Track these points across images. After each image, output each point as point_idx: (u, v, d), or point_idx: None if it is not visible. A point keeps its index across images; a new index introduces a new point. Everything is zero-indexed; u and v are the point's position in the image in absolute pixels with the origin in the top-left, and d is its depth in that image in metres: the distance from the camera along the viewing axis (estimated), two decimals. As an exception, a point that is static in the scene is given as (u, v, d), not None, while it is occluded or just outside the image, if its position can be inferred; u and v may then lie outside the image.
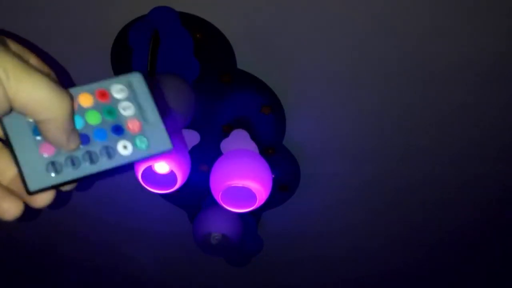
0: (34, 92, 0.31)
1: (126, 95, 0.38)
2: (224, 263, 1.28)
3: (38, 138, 0.34)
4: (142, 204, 1.20)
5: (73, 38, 0.89)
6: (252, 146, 0.96)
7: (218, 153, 0.97)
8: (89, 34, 0.88)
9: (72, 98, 0.34)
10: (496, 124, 0.98)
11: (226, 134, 0.97)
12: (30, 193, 0.33)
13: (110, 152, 0.36)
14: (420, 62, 0.88)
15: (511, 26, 0.82)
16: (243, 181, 0.90)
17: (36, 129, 0.34)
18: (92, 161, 0.35)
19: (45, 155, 0.34)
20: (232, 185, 0.90)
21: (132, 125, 0.37)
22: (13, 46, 0.35)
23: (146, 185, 0.93)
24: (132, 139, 0.37)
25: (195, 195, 1.08)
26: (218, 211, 1.01)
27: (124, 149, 0.37)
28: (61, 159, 0.35)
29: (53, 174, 0.34)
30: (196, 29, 0.84)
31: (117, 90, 0.38)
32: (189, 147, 0.98)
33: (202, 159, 1.00)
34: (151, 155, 0.37)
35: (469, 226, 1.24)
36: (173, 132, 0.89)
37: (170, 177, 0.93)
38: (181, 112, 0.84)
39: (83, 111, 0.36)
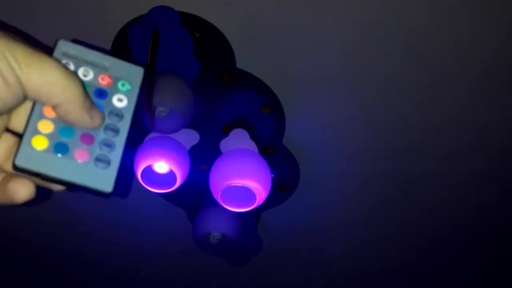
0: (46, 76, 0.32)
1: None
2: (223, 263, 1.28)
3: (67, 153, 0.34)
4: (142, 204, 1.20)
5: (73, 37, 0.89)
6: (252, 146, 0.96)
7: (217, 153, 0.97)
8: (88, 33, 0.88)
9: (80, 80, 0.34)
10: (495, 124, 0.98)
11: (225, 134, 0.96)
12: (111, 194, 0.34)
13: (117, 113, 0.36)
14: (420, 62, 0.88)
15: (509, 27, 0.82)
16: (242, 180, 0.90)
17: (59, 146, 0.34)
18: (115, 131, 0.36)
19: (84, 161, 0.34)
20: (232, 185, 0.90)
21: (104, 80, 0.37)
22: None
23: (145, 184, 0.93)
24: (114, 93, 0.37)
25: (194, 194, 1.08)
26: (218, 210, 1.01)
27: (120, 102, 0.37)
28: (97, 151, 0.35)
29: (107, 168, 0.35)
30: (195, 28, 0.84)
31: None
32: (189, 147, 0.98)
33: (202, 159, 1.00)
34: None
35: (467, 224, 1.24)
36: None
37: (169, 177, 0.93)
38: (180, 112, 0.84)
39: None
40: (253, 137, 0.96)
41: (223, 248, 1.05)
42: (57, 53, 0.36)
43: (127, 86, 0.37)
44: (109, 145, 0.35)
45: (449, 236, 1.28)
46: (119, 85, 0.37)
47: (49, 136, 0.34)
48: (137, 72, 0.38)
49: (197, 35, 0.85)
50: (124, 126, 0.36)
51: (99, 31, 0.87)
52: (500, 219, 1.22)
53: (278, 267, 1.41)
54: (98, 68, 0.37)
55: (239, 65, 0.90)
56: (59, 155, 0.33)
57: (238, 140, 0.96)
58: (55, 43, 0.37)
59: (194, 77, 0.88)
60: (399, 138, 1.02)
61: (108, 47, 0.89)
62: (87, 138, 0.35)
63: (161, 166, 0.94)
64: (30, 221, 1.30)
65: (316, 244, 1.32)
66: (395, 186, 1.13)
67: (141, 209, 1.23)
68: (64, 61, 0.36)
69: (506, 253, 1.34)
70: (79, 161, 0.34)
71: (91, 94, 0.36)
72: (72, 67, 0.36)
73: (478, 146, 1.03)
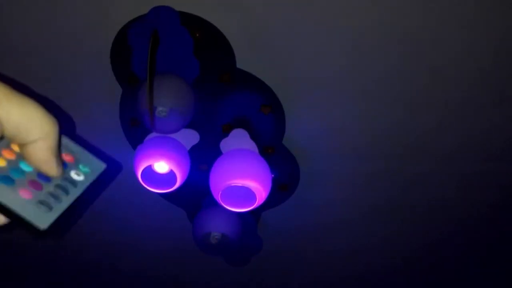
0: (26, 111, 0.32)
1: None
2: (223, 263, 1.28)
3: (13, 185, 0.34)
4: (142, 204, 1.20)
5: (73, 38, 0.89)
6: (252, 146, 0.96)
7: (217, 153, 0.97)
8: (88, 33, 0.88)
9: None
10: (496, 125, 0.99)
11: (225, 134, 0.96)
12: (44, 232, 0.34)
13: (71, 181, 0.38)
14: (419, 62, 0.88)
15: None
16: (242, 180, 0.90)
17: (6, 178, 0.34)
18: (65, 191, 0.37)
19: (27, 198, 0.35)
20: (232, 185, 0.90)
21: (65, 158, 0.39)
22: None
23: (146, 184, 0.93)
24: (76, 167, 0.39)
25: (194, 194, 1.08)
26: (218, 210, 1.01)
27: (78, 176, 0.38)
28: (43, 197, 0.35)
29: (48, 212, 0.35)
30: (195, 28, 0.84)
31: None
32: (189, 147, 0.98)
33: (202, 159, 1.00)
34: (96, 179, 0.39)
35: (467, 224, 1.24)
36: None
37: (169, 177, 0.93)
38: (180, 112, 0.84)
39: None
40: (253, 137, 0.96)
41: (223, 248, 1.05)
42: None
43: (86, 169, 0.39)
44: (56, 197, 0.36)
45: (449, 236, 1.28)
46: (80, 166, 0.39)
47: None
48: (99, 166, 0.40)
49: (197, 35, 0.85)
50: (74, 193, 0.37)
51: (99, 31, 0.87)
52: (500, 219, 1.22)
53: (278, 267, 1.41)
54: (65, 150, 0.39)
55: (239, 65, 0.90)
56: (2, 184, 0.34)
57: (238, 140, 0.96)
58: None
59: (194, 77, 0.88)
60: (399, 138, 1.02)
61: (108, 47, 0.89)
62: (36, 185, 0.36)
63: (161, 166, 0.94)
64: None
65: (316, 244, 1.32)
66: (395, 186, 1.13)
67: (141, 209, 1.23)
68: None
69: (506, 253, 1.34)
70: (22, 196, 0.34)
71: None
72: None
73: (479, 147, 1.03)
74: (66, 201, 0.37)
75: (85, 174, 0.39)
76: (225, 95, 0.93)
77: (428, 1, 0.79)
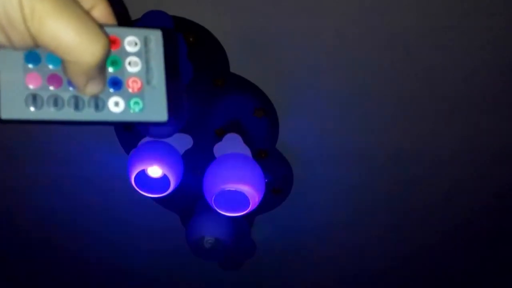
0: (58, 35, 0.29)
1: (138, 49, 0.35)
2: (217, 267, 1.28)
3: (30, 66, 0.32)
4: (135, 208, 1.20)
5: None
6: (245, 150, 0.96)
7: (211, 157, 0.97)
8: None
9: (109, 44, 0.31)
10: (490, 128, 0.99)
11: (219, 138, 0.96)
12: (1, 121, 0.31)
13: (99, 104, 0.33)
14: (415, 66, 0.89)
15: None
16: (236, 185, 0.90)
17: (31, 56, 0.32)
18: (76, 107, 0.33)
19: (30, 86, 0.32)
20: (225, 189, 0.90)
21: (133, 84, 0.34)
22: None
23: (139, 189, 0.93)
24: (127, 98, 0.34)
25: (188, 199, 1.08)
26: (211, 215, 1.01)
27: (115, 106, 0.34)
28: (44, 94, 0.32)
29: (32, 109, 0.31)
30: (189, 32, 0.84)
31: (130, 41, 0.35)
32: (182, 151, 0.98)
33: (195, 163, 1.00)
34: (142, 121, 0.35)
35: (461, 226, 1.24)
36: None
37: (163, 181, 0.93)
38: (174, 116, 0.84)
39: None
40: (246, 141, 0.96)
41: (217, 253, 1.05)
42: None
43: (138, 107, 0.35)
44: (60, 104, 0.32)
45: (444, 241, 1.28)
46: (135, 98, 0.35)
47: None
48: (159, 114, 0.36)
49: (191, 39, 0.85)
50: (87, 115, 0.33)
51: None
52: (493, 222, 1.23)
53: (271, 271, 1.40)
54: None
55: (233, 69, 0.90)
56: (25, 61, 0.31)
57: (232, 144, 0.96)
58: (155, 28, 0.36)
59: (187, 81, 0.88)
60: (394, 142, 1.02)
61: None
62: (56, 79, 0.33)
63: (155, 171, 0.93)
64: (22, 219, 1.29)
65: (310, 248, 1.32)
66: (389, 190, 1.13)
67: (135, 214, 1.22)
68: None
69: (502, 256, 1.35)
70: (25, 79, 0.32)
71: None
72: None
73: (472, 149, 1.03)
74: (63, 115, 0.32)
75: (128, 110, 0.34)
76: (219, 99, 0.93)
77: (425, 4, 0.80)
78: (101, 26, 0.32)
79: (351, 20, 0.82)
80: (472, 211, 1.19)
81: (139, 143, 0.95)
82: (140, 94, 0.35)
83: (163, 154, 0.91)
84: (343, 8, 0.81)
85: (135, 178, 0.91)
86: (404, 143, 1.03)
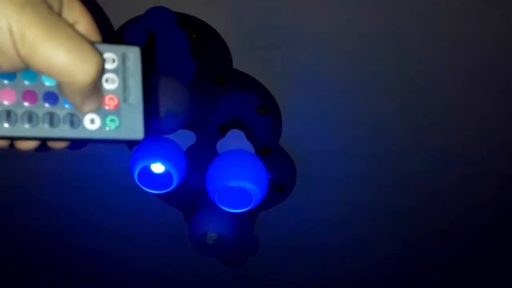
0: (49, 58, 0.29)
1: (115, 66, 0.34)
2: (220, 263, 1.28)
3: (5, 81, 0.31)
4: (138, 204, 1.20)
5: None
6: (248, 146, 0.96)
7: (214, 154, 0.97)
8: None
9: (102, 61, 0.31)
10: (493, 125, 0.99)
11: (222, 134, 0.96)
12: None
13: (74, 121, 0.33)
14: (418, 64, 0.89)
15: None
16: (239, 181, 0.90)
17: (4, 74, 0.31)
18: (51, 124, 0.32)
19: (5, 102, 0.31)
20: (228, 186, 0.90)
21: (109, 101, 0.34)
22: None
23: (142, 185, 0.93)
24: (103, 116, 0.34)
25: (191, 195, 1.08)
26: (214, 211, 1.01)
27: (91, 123, 0.33)
28: (19, 111, 0.31)
29: (6, 125, 0.31)
30: (192, 29, 0.84)
31: (108, 58, 0.34)
32: (185, 148, 0.98)
33: (198, 160, 1.00)
34: (117, 139, 0.34)
35: (465, 226, 1.24)
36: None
37: (166, 177, 0.93)
38: (177, 113, 0.84)
39: None
40: (249, 137, 0.96)
41: (220, 249, 1.05)
42: None
43: (114, 124, 0.35)
44: (34, 121, 0.32)
45: (448, 240, 1.28)
46: (110, 115, 0.34)
47: None
48: (135, 128, 0.35)
49: (194, 35, 0.85)
50: (60, 131, 0.33)
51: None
52: (495, 219, 1.22)
53: (274, 268, 1.40)
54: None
55: (236, 65, 0.90)
56: None
57: (235, 141, 0.96)
58: (133, 45, 0.36)
59: (190, 77, 0.88)
60: (397, 139, 1.02)
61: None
62: (31, 96, 0.32)
63: (158, 167, 0.94)
64: (25, 218, 1.29)
65: (313, 245, 1.32)
66: (393, 187, 1.13)
67: (138, 210, 1.23)
68: None
69: (501, 254, 1.35)
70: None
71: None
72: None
73: (475, 147, 1.03)
74: (38, 131, 0.32)
75: (103, 128, 0.34)
76: (221, 96, 0.93)
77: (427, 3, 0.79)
78: (93, 44, 0.32)
79: (353, 17, 0.82)
80: (474, 208, 1.19)
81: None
82: (116, 111, 0.34)
83: (166, 151, 0.91)
84: (345, 6, 0.80)
85: (138, 174, 0.91)
86: (406, 139, 1.02)
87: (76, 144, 0.34)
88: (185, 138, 0.97)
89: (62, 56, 0.29)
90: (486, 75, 0.90)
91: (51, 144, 0.35)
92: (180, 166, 0.92)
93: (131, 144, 0.99)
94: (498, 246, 1.32)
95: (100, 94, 0.33)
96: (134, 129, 0.35)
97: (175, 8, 0.82)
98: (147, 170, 0.94)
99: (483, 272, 1.43)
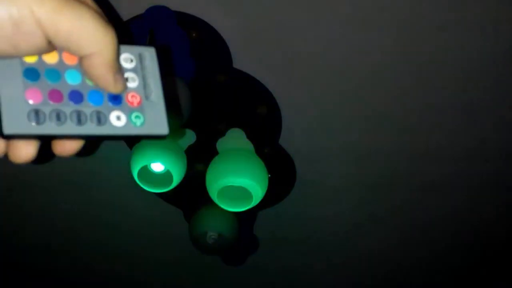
0: (77, 24, 0.29)
1: (134, 66, 0.36)
2: (220, 263, 1.28)
3: (29, 81, 0.32)
4: (138, 203, 1.20)
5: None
6: (248, 145, 0.96)
7: (214, 152, 0.97)
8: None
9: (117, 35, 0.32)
10: (501, 125, 0.99)
11: (222, 133, 0.97)
12: (4, 136, 0.30)
13: (101, 118, 0.34)
14: (421, 63, 0.89)
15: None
16: (239, 180, 0.90)
17: (29, 72, 0.32)
18: (79, 121, 0.33)
19: (31, 101, 0.32)
20: (228, 185, 0.90)
21: (132, 98, 0.35)
22: None
23: (142, 184, 0.93)
24: (128, 112, 0.35)
25: (191, 194, 1.08)
26: (214, 210, 1.01)
27: (117, 120, 0.34)
28: (46, 109, 0.32)
29: (33, 123, 0.31)
30: (192, 28, 0.84)
31: (126, 58, 0.36)
32: (185, 146, 0.98)
33: (198, 158, 1.00)
34: (143, 135, 0.35)
35: (471, 228, 1.24)
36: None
37: (166, 177, 0.93)
38: (177, 111, 0.84)
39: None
40: (249, 136, 0.96)
41: (220, 248, 1.05)
42: None
43: (140, 120, 0.36)
44: (62, 119, 0.32)
45: (454, 244, 1.28)
46: (136, 111, 0.36)
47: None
48: (161, 126, 0.37)
49: (194, 35, 0.85)
50: (87, 129, 0.33)
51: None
52: (508, 220, 1.22)
53: (274, 267, 1.41)
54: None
55: (236, 64, 0.90)
56: (23, 76, 0.31)
57: (235, 140, 0.96)
58: (148, 45, 0.38)
59: (191, 77, 0.88)
60: (398, 138, 1.02)
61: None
62: (56, 95, 0.33)
63: (158, 166, 0.94)
64: (26, 222, 1.30)
65: (312, 244, 1.32)
66: (392, 186, 1.13)
67: (137, 209, 1.23)
68: None
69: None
70: (25, 95, 0.31)
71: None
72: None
73: (479, 148, 1.03)
74: (66, 129, 0.32)
75: (129, 124, 0.34)
76: (222, 94, 0.93)
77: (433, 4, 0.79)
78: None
79: (356, 15, 0.82)
80: (488, 211, 1.19)
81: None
82: (140, 108, 0.35)
83: (166, 149, 0.91)
84: (350, 5, 0.80)
85: (138, 173, 0.91)
86: (411, 141, 1.02)
87: (100, 139, 0.35)
88: (185, 137, 0.97)
89: (88, 25, 0.30)
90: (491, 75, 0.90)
91: (59, 149, 0.35)
92: (180, 165, 0.93)
93: (131, 143, 0.99)
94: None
95: (122, 72, 0.34)
96: (159, 124, 0.36)
97: (175, 7, 0.82)
98: (147, 169, 0.94)
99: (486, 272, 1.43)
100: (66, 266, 1.48)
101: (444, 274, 1.43)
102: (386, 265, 1.40)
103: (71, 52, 0.31)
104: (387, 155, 1.05)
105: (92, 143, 0.30)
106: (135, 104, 0.35)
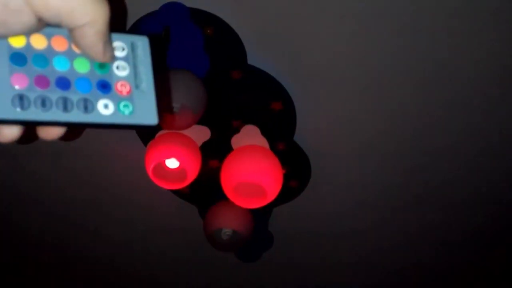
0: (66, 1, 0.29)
1: (125, 54, 0.36)
2: (234, 259, 1.28)
3: (15, 66, 0.31)
4: (153, 200, 1.21)
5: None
6: (263, 142, 0.96)
7: (228, 149, 0.97)
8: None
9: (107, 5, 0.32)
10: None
11: (236, 130, 0.96)
12: None
13: (88, 106, 0.33)
14: (433, 61, 0.87)
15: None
16: (253, 177, 0.90)
17: (16, 56, 0.32)
18: (65, 109, 0.32)
19: (16, 86, 0.31)
20: (243, 181, 0.90)
21: (121, 87, 0.35)
22: None
23: (157, 181, 0.93)
24: (116, 101, 0.34)
25: (205, 191, 1.08)
26: (229, 207, 1.01)
27: (105, 108, 0.34)
28: (31, 95, 0.31)
29: (18, 109, 0.31)
30: (206, 24, 0.84)
31: (117, 46, 0.35)
32: (200, 143, 0.98)
33: (213, 155, 1.01)
34: (132, 124, 0.35)
35: (483, 226, 1.23)
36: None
37: (180, 173, 0.93)
38: (192, 108, 0.84)
39: (73, 55, 0.34)
40: (264, 133, 0.96)
41: (234, 244, 1.05)
42: None
43: (128, 109, 0.35)
44: (47, 105, 0.32)
45: (467, 240, 1.27)
46: (124, 101, 0.35)
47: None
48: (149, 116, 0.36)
49: (208, 31, 0.84)
50: (73, 116, 0.33)
51: (110, 27, 0.87)
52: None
53: (288, 264, 1.41)
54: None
55: (250, 61, 0.89)
56: (9, 61, 0.31)
57: (249, 136, 0.96)
58: (141, 34, 0.38)
59: (205, 73, 0.88)
60: (412, 136, 1.01)
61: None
62: (42, 81, 0.32)
63: (173, 163, 0.94)
64: (40, 216, 1.31)
65: (327, 241, 1.31)
66: (406, 183, 1.12)
67: (152, 206, 1.23)
68: None
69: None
70: (11, 80, 0.31)
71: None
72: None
73: (488, 147, 1.02)
74: (51, 116, 0.32)
75: (117, 113, 0.34)
76: (236, 91, 0.93)
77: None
78: None
79: (370, 12, 0.81)
80: (500, 210, 1.17)
81: (157, 135, 0.95)
82: (129, 97, 0.35)
83: (181, 146, 0.91)
84: (364, 2, 0.80)
85: (153, 170, 0.91)
86: (421, 137, 1.01)
87: (86, 126, 0.34)
88: (200, 134, 0.97)
89: None
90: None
91: (43, 134, 0.34)
92: (194, 161, 0.93)
93: (145, 139, 0.99)
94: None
95: (111, 44, 0.34)
96: (148, 114, 0.35)
97: (189, 4, 0.82)
98: (161, 166, 0.94)
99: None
100: (76, 262, 1.50)
101: (461, 272, 1.42)
102: (403, 261, 1.39)
103: (62, 25, 0.31)
104: (403, 152, 1.04)
105: (79, 129, 0.30)
106: (124, 93, 0.35)
